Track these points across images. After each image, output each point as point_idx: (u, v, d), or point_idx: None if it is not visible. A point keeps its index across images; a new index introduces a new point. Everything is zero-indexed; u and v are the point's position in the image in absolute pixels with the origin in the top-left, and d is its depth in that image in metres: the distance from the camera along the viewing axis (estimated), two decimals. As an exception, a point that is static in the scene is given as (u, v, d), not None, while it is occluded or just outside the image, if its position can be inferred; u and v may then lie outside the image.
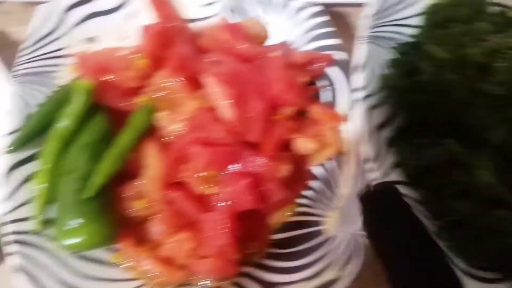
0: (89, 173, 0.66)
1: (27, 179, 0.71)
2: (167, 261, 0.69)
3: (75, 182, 0.65)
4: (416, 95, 0.70)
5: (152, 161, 0.69)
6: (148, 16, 0.82)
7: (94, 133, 0.69)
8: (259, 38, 0.83)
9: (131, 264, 0.70)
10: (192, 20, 0.86)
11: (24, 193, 0.70)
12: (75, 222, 0.63)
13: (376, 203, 0.44)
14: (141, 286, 0.69)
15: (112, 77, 0.73)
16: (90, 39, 0.82)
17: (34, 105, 0.74)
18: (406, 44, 0.76)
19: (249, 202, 0.66)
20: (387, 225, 0.41)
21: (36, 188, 0.69)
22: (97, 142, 0.69)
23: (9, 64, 0.82)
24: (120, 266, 0.70)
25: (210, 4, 0.86)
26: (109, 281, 0.68)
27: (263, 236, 0.72)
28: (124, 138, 0.68)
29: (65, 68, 0.79)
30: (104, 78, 0.73)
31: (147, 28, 0.76)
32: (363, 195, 0.45)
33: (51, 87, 0.77)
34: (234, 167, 0.68)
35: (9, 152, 0.70)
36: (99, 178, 0.65)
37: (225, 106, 0.69)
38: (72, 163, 0.67)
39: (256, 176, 0.67)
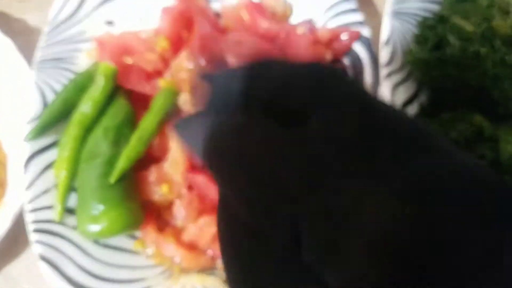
0: (112, 158, 0.66)
1: (47, 167, 0.71)
2: (190, 246, 0.69)
3: (97, 168, 0.65)
4: (443, 69, 0.69)
5: (175, 144, 0.68)
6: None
7: (117, 117, 0.69)
8: (282, 16, 0.82)
9: (153, 250, 0.70)
10: (213, 0, 0.85)
11: (45, 182, 0.70)
12: (97, 209, 0.63)
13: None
14: (163, 272, 0.69)
15: (133, 60, 0.73)
16: (110, 23, 0.80)
17: (54, 92, 0.74)
18: (431, 18, 0.74)
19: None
20: None
21: (56, 176, 0.69)
22: (120, 126, 0.68)
23: (29, 51, 0.82)
24: (142, 253, 0.70)
25: (230, -17, 0.83)
26: (131, 268, 0.69)
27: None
28: (148, 122, 0.68)
29: (85, 53, 0.78)
30: (125, 61, 0.72)
31: (166, 10, 0.75)
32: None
33: (71, 73, 0.76)
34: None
35: (28, 140, 0.69)
36: (123, 163, 0.65)
37: (247, 87, 0.68)
38: (94, 148, 0.67)
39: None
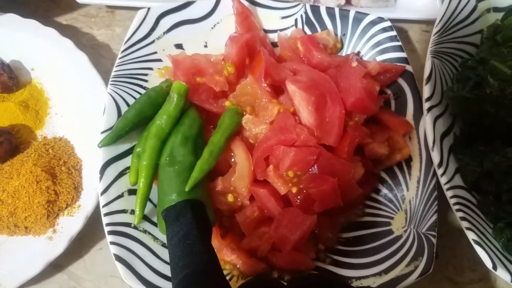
0: (191, 165, 0.71)
1: (120, 174, 0.76)
2: (249, 253, 0.75)
3: (178, 173, 0.70)
4: (482, 106, 0.75)
5: (241, 159, 0.74)
6: (231, 26, 0.89)
7: (193, 128, 0.75)
8: (332, 49, 0.89)
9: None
10: (270, 31, 0.92)
11: (118, 187, 0.75)
12: None
13: None
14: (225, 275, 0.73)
15: (204, 80, 0.79)
16: (178, 45, 0.87)
17: (127, 104, 0.80)
18: (472, 60, 0.81)
19: (333, 201, 0.72)
20: None
21: (131, 182, 0.74)
22: (196, 137, 0.74)
23: (95, 64, 0.89)
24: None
25: (286, 17, 0.91)
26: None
27: (333, 233, 0.78)
28: (217, 138, 0.74)
29: (155, 71, 0.85)
30: (196, 80, 0.79)
31: (234, 38, 0.83)
32: None
33: (142, 88, 0.83)
34: (314, 168, 0.73)
35: (102, 146, 0.75)
36: (197, 173, 0.70)
37: (305, 111, 0.75)
38: (173, 155, 0.72)
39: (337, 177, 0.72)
